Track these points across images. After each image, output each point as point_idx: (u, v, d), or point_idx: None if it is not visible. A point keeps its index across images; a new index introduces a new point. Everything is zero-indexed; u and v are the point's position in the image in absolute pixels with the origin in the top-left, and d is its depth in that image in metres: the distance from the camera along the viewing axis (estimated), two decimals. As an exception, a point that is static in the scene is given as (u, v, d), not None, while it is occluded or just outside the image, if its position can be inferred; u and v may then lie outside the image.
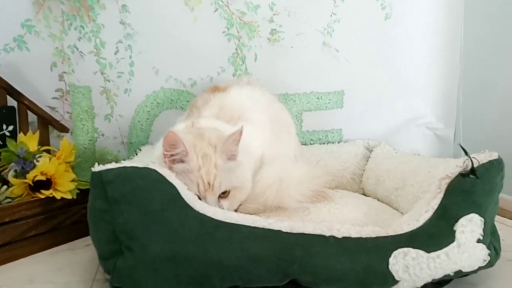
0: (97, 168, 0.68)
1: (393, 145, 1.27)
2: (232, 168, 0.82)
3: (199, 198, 0.76)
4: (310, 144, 1.36)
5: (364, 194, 1.17)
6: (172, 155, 0.79)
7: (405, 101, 1.41)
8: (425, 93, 1.42)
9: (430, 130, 1.44)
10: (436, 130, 1.44)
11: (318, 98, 1.36)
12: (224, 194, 0.82)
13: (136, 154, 1.12)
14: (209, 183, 0.78)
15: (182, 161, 0.79)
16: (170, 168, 0.77)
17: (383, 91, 1.38)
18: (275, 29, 1.29)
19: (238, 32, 1.26)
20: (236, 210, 0.85)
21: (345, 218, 0.85)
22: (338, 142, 1.36)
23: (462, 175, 0.70)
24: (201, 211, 0.68)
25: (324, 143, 1.36)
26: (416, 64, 1.39)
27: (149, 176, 0.68)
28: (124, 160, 0.93)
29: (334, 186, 1.12)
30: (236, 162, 0.83)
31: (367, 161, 1.24)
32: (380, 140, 1.30)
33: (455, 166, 0.72)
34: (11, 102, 1.06)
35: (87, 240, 0.98)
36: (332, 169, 1.21)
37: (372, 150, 1.26)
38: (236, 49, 1.27)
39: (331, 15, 1.31)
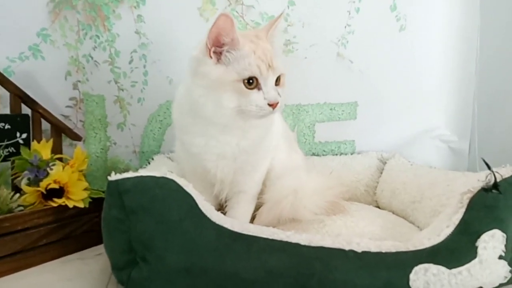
0: (113, 176, 0.68)
1: (406, 157, 1.26)
2: (277, 54, 0.80)
3: (256, 85, 0.75)
4: (323, 155, 1.35)
5: (378, 207, 1.15)
6: (222, 44, 0.74)
7: (419, 113, 1.39)
8: (440, 105, 1.41)
9: (444, 142, 1.43)
10: (450, 143, 1.42)
11: (331, 109, 1.35)
12: (277, 81, 0.78)
13: (149, 163, 1.12)
14: (269, 64, 0.75)
15: (233, 49, 0.74)
16: (218, 60, 0.75)
17: (396, 102, 1.37)
18: (289, 40, 1.28)
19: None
20: (251, 222, 0.84)
21: (361, 232, 0.84)
22: (351, 154, 1.35)
23: (485, 190, 0.68)
24: (218, 222, 0.67)
25: (336, 154, 1.35)
26: (431, 75, 1.38)
27: (167, 186, 0.67)
28: (137, 169, 0.92)
29: (347, 198, 1.11)
30: (276, 48, 0.82)
31: (381, 173, 1.22)
32: (393, 152, 1.29)
33: (477, 180, 0.70)
34: (25, 110, 1.06)
35: (98, 249, 0.98)
36: (346, 180, 1.19)
37: (385, 162, 1.25)
38: (250, 60, 1.27)
39: (345, 26, 1.31)
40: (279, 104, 0.76)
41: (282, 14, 0.81)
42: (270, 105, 0.75)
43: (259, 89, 0.75)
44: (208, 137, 0.81)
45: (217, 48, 0.74)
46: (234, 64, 0.74)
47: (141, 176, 0.67)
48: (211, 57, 0.74)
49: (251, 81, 0.74)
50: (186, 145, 0.84)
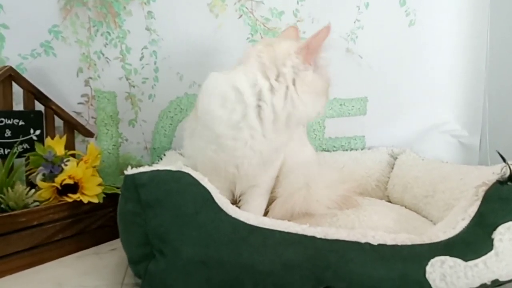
0: (130, 171, 0.68)
1: (417, 153, 1.25)
2: None
3: None
4: (333, 151, 1.35)
5: (389, 202, 1.15)
6: (317, 53, 0.79)
7: (429, 108, 1.39)
8: (450, 100, 1.40)
9: (455, 137, 1.42)
10: (461, 138, 1.42)
11: (341, 104, 1.35)
12: None
13: (160, 159, 1.12)
14: None
15: (317, 59, 0.80)
16: (315, 69, 0.79)
17: (406, 98, 1.37)
18: (298, 36, 1.28)
19: (262, 38, 1.26)
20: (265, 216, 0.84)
21: (375, 226, 0.84)
22: (361, 149, 1.35)
23: (500, 182, 0.68)
24: (234, 216, 0.67)
25: (347, 150, 1.35)
26: (441, 70, 1.38)
27: (183, 179, 0.67)
28: (149, 166, 0.93)
29: (359, 193, 1.11)
30: None
31: (392, 168, 1.22)
32: (403, 147, 1.29)
33: (492, 173, 0.70)
34: (38, 106, 1.07)
35: (112, 244, 0.99)
36: (357, 176, 1.19)
37: (396, 157, 1.25)
38: (260, 55, 1.27)
39: (354, 22, 1.31)
40: None
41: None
42: None
43: None
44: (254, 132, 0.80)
45: (319, 55, 0.79)
46: (323, 72, 0.80)
47: (157, 170, 0.68)
48: (310, 64, 0.78)
49: None
50: (223, 138, 0.80)
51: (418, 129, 1.41)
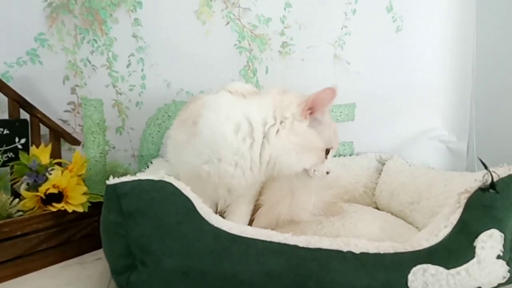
0: (112, 180, 0.68)
1: (405, 159, 1.26)
2: None
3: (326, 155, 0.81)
4: (321, 157, 1.35)
5: (377, 208, 1.15)
6: (320, 112, 0.80)
7: (417, 114, 1.40)
8: (437, 106, 1.41)
9: (443, 143, 1.43)
10: (449, 143, 1.43)
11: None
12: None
13: (147, 167, 1.12)
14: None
15: (321, 118, 0.81)
16: (311, 125, 0.79)
17: (394, 103, 1.38)
18: (286, 42, 1.29)
19: (249, 45, 1.27)
20: (250, 224, 0.84)
21: (360, 233, 0.84)
22: (350, 155, 1.35)
23: (482, 189, 0.68)
24: (216, 225, 0.67)
25: (335, 156, 1.35)
26: (428, 76, 1.39)
27: (165, 189, 0.67)
28: (136, 173, 0.92)
29: (346, 200, 1.11)
30: None
31: (380, 174, 1.23)
32: (392, 153, 1.29)
33: (474, 180, 0.70)
34: (24, 115, 1.07)
35: (97, 254, 0.98)
36: (344, 182, 1.20)
37: (384, 163, 1.25)
38: (248, 62, 1.28)
39: (342, 28, 1.31)
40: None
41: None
42: (327, 172, 0.82)
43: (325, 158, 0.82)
44: None
45: (316, 114, 0.79)
46: (319, 132, 0.79)
47: (139, 180, 0.67)
48: (305, 118, 0.78)
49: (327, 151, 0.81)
50: (225, 163, 0.79)
51: (406, 134, 1.41)
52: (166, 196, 0.67)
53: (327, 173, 0.82)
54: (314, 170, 0.80)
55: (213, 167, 0.78)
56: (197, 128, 0.79)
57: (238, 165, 0.78)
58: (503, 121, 1.37)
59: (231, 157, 0.77)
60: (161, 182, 0.68)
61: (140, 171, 1.15)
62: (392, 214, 1.05)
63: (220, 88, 0.86)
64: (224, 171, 0.78)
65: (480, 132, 1.40)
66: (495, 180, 0.68)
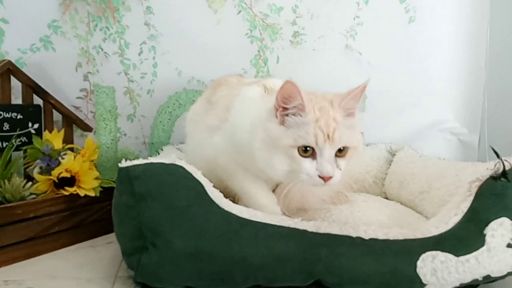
0: (124, 163, 0.69)
1: (415, 150, 1.25)
2: (350, 125, 0.75)
3: (312, 153, 0.72)
4: (331, 147, 1.35)
5: (386, 198, 1.15)
6: (286, 108, 0.73)
7: (429, 105, 1.39)
8: (449, 98, 1.40)
9: (454, 135, 1.42)
10: (460, 135, 1.42)
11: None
12: (341, 153, 0.74)
13: (158, 154, 1.13)
14: (328, 135, 0.71)
15: (296, 114, 0.73)
16: (282, 122, 0.73)
17: (406, 95, 1.37)
18: (297, 32, 1.29)
19: (260, 34, 1.27)
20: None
21: (369, 221, 0.84)
22: (360, 146, 1.34)
23: (493, 178, 0.68)
24: (226, 209, 0.67)
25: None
26: (440, 67, 1.38)
27: (176, 172, 0.68)
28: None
29: (356, 189, 1.11)
30: (354, 119, 0.77)
31: (390, 165, 1.22)
32: (402, 145, 1.28)
33: (486, 169, 0.70)
34: (37, 100, 1.08)
35: (109, 237, 0.99)
36: (354, 172, 1.19)
37: (394, 154, 1.24)
38: (259, 51, 1.28)
39: (354, 18, 1.30)
40: (334, 178, 0.72)
41: (364, 86, 0.75)
42: (321, 177, 0.71)
43: (314, 158, 0.72)
44: None
45: (283, 111, 0.73)
46: (294, 129, 0.72)
47: (151, 163, 0.68)
48: (277, 117, 0.74)
49: (307, 148, 0.72)
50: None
51: (417, 126, 1.40)
52: (177, 179, 0.68)
53: (322, 177, 0.71)
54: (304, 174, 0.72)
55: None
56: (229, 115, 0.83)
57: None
58: (516, 113, 1.35)
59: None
60: (172, 166, 0.69)
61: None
62: (401, 204, 1.04)
63: (258, 80, 0.87)
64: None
65: (492, 125, 1.39)
66: (507, 168, 0.68)
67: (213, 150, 0.85)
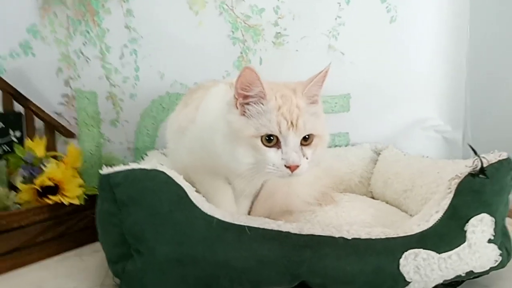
0: (105, 170, 0.68)
1: (400, 149, 1.26)
2: (314, 112, 0.73)
3: (276, 143, 0.69)
4: (317, 147, 1.35)
5: (373, 197, 1.16)
6: (246, 96, 0.70)
7: (412, 104, 1.39)
8: (432, 96, 1.41)
9: (438, 133, 1.43)
10: (444, 133, 1.43)
11: (324, 101, 1.33)
12: (306, 141, 0.71)
13: (143, 159, 1.12)
14: (291, 122, 0.68)
15: (257, 102, 0.70)
16: (242, 113, 0.70)
17: (389, 94, 1.37)
18: (279, 33, 1.28)
19: (243, 35, 1.26)
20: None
21: (353, 221, 0.85)
22: (345, 146, 1.35)
23: (472, 175, 0.69)
24: (209, 213, 0.67)
25: (330, 147, 1.35)
26: (422, 66, 1.38)
27: (157, 178, 0.68)
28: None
29: (342, 190, 1.12)
30: (318, 106, 0.74)
31: (375, 164, 1.23)
32: (387, 144, 1.29)
33: (464, 166, 0.71)
34: (18, 107, 1.07)
35: (95, 246, 0.98)
36: (340, 172, 1.19)
37: (379, 153, 1.25)
38: (241, 53, 1.27)
39: (336, 18, 1.31)
40: (301, 167, 0.69)
41: (326, 71, 0.73)
42: (287, 166, 0.68)
43: (279, 147, 0.69)
44: None
45: (244, 99, 0.70)
46: (255, 118, 0.69)
47: (132, 169, 0.68)
48: (237, 107, 0.71)
49: (271, 138, 0.69)
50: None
51: (402, 125, 1.41)
52: (159, 185, 0.67)
53: (288, 167, 0.68)
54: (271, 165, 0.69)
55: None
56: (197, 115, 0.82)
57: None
58: (497, 110, 1.37)
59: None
60: (153, 171, 0.68)
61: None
62: (387, 203, 1.05)
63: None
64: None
65: (475, 121, 1.41)
66: (484, 165, 0.69)
67: (183, 152, 0.84)
